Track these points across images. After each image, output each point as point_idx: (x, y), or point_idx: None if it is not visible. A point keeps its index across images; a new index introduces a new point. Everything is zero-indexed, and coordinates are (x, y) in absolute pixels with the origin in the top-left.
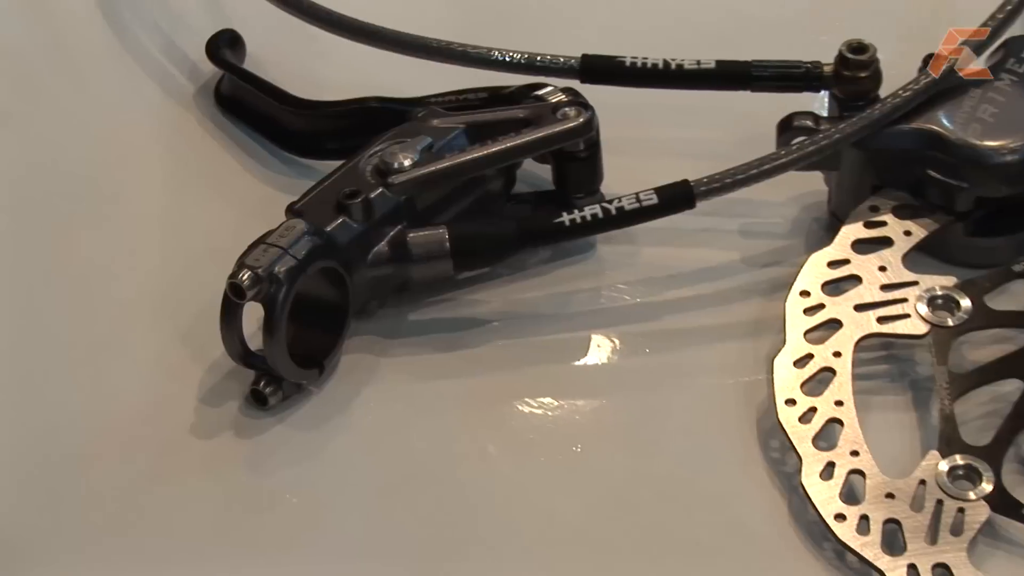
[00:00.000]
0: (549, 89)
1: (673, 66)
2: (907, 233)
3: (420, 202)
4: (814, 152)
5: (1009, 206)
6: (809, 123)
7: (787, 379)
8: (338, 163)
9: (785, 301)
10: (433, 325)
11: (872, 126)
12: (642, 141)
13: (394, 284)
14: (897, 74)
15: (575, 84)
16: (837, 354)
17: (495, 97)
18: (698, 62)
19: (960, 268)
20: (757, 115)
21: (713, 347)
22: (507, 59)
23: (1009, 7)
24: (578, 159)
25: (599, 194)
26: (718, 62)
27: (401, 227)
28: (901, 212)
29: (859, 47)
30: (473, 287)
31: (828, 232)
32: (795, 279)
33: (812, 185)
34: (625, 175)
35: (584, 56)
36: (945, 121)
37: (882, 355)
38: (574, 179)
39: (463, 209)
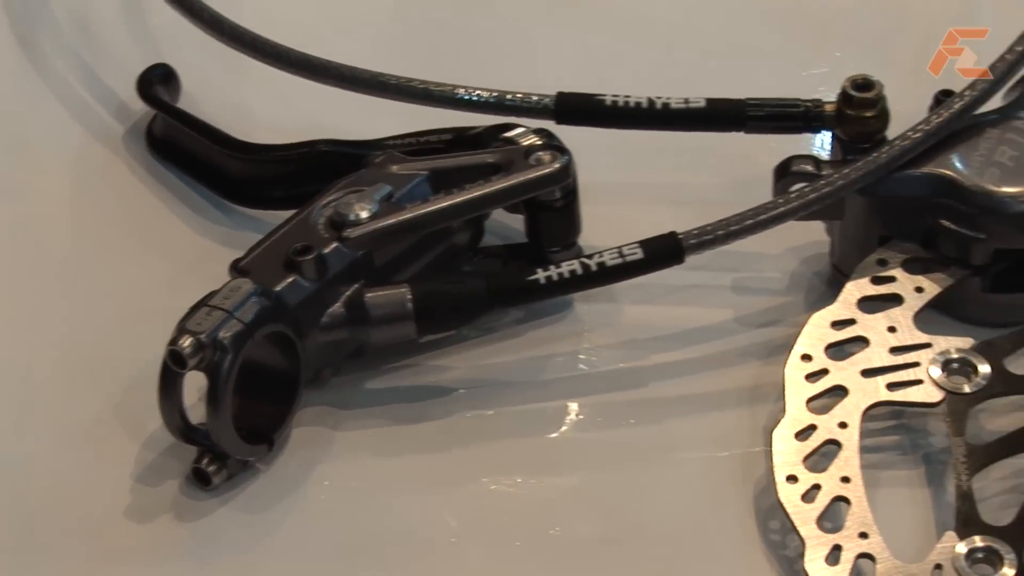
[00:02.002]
0: (520, 131)
1: (659, 105)
2: (918, 289)
3: (379, 258)
4: (815, 200)
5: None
6: (809, 168)
7: (788, 453)
8: (286, 214)
9: (785, 366)
10: (393, 394)
11: (879, 171)
12: (624, 188)
13: (350, 349)
14: (905, 112)
15: (549, 125)
16: (843, 425)
17: (459, 139)
18: (686, 100)
19: (977, 328)
20: (751, 158)
21: (705, 417)
22: (474, 98)
23: None
24: (553, 209)
25: (577, 247)
26: (708, 100)
27: (358, 286)
28: (912, 266)
29: (864, 83)
30: (437, 351)
31: (831, 287)
32: (795, 341)
33: (812, 235)
34: (605, 226)
35: (559, 94)
36: (959, 165)
37: (892, 425)
38: (549, 231)
39: (426, 265)
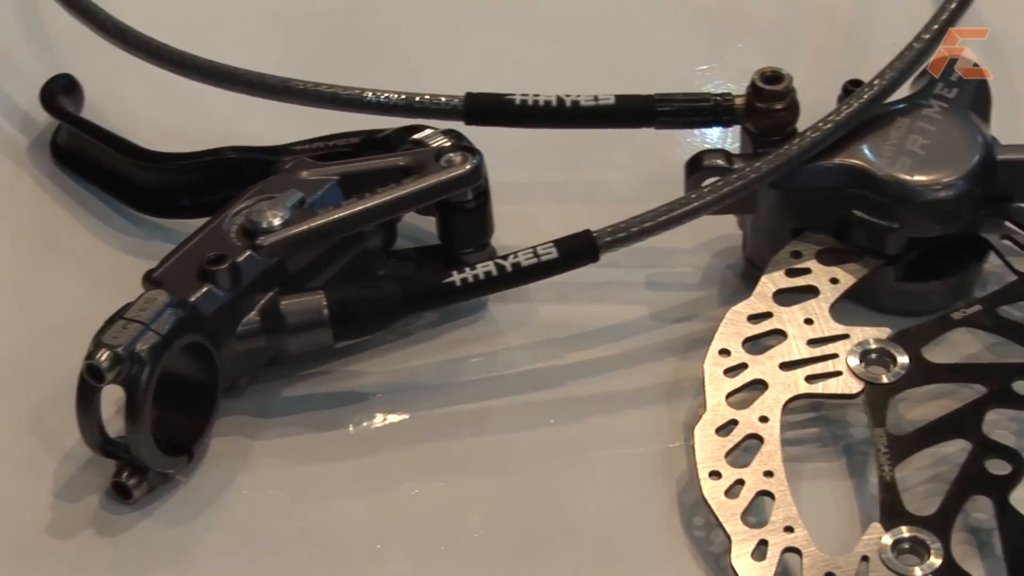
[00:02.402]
0: (429, 132)
1: (568, 103)
2: (834, 281)
3: (292, 264)
4: (728, 194)
5: (941, 247)
6: (721, 162)
7: (710, 449)
8: (198, 222)
9: (703, 361)
10: (310, 401)
11: (791, 163)
12: (534, 186)
13: (266, 357)
14: (810, 102)
15: (459, 126)
16: (764, 419)
17: (368, 142)
18: (595, 97)
19: (891, 316)
20: (661, 153)
21: (624, 415)
22: (382, 100)
23: (936, 26)
24: (465, 210)
25: (490, 248)
26: (618, 97)
27: (273, 293)
28: (826, 257)
29: (773, 76)
30: (353, 356)
31: (745, 281)
32: (713, 336)
33: (724, 229)
34: (518, 225)
35: (468, 95)
36: (871, 155)
37: (812, 417)
38: (461, 232)
39: (340, 270)
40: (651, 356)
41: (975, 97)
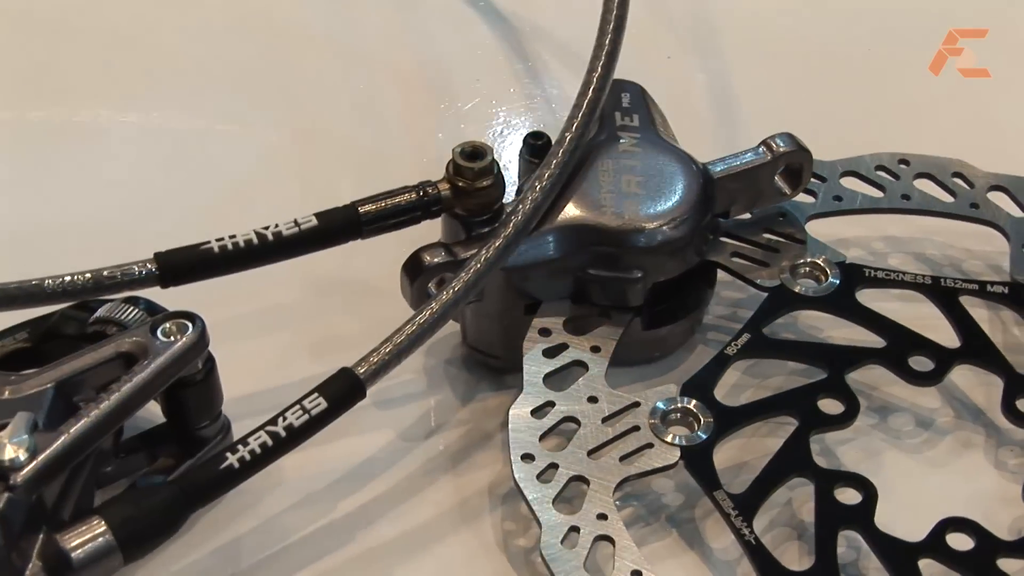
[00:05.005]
0: (109, 306)
1: (270, 236)
2: (595, 349)
3: (48, 495)
4: (472, 287)
5: (666, 287)
6: (442, 257)
7: (566, 566)
8: None
9: (512, 474)
10: None
11: (523, 235)
12: (226, 325)
13: None
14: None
15: (154, 292)
16: (602, 516)
17: (40, 333)
18: (296, 222)
19: (642, 368)
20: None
21: (432, 554)
22: (68, 285)
23: (605, 50)
24: (195, 382)
25: (223, 417)
26: (319, 216)
27: (43, 534)
28: (574, 327)
29: (475, 152)
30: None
31: (475, 372)
32: (496, 443)
33: None
34: (234, 377)
35: (157, 255)
36: (592, 209)
37: (636, 492)
38: (195, 407)
39: (85, 484)
40: (424, 482)
41: (649, 113)
